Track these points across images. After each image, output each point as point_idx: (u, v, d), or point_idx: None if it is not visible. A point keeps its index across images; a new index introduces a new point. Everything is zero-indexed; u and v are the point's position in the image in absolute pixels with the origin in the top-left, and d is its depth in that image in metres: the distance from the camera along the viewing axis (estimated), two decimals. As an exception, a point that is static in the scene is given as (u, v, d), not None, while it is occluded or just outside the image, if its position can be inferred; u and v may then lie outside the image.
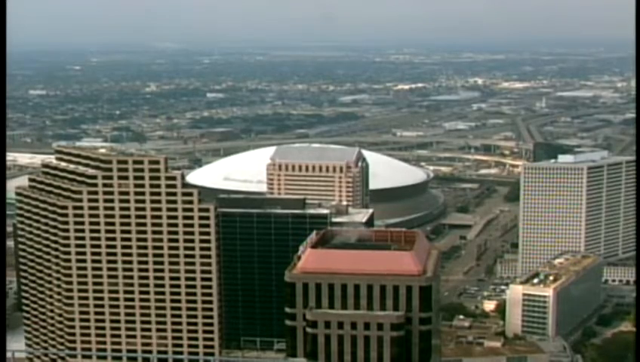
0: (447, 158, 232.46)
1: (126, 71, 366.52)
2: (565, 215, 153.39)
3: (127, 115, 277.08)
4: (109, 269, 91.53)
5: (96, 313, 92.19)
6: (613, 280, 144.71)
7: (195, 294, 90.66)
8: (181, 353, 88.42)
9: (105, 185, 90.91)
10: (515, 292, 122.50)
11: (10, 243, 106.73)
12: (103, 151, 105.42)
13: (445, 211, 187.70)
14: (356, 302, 69.98)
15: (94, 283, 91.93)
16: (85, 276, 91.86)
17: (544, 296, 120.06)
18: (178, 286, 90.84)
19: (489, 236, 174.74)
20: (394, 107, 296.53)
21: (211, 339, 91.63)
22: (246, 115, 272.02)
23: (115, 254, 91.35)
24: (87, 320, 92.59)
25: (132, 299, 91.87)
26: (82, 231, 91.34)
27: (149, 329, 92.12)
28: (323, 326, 69.87)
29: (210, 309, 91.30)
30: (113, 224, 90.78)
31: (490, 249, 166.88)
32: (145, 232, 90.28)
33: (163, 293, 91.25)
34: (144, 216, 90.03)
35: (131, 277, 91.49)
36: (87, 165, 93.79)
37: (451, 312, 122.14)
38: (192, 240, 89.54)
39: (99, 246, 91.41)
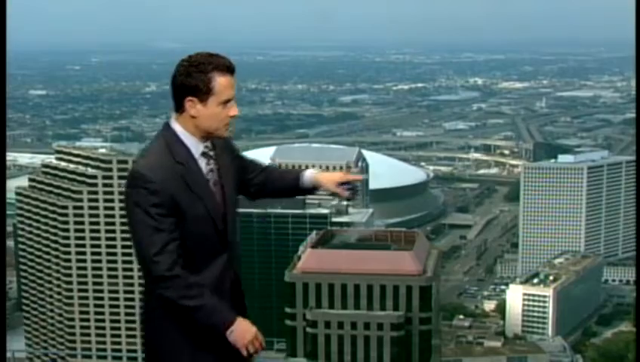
0: (447, 158, 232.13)
1: (126, 71, 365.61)
2: (565, 215, 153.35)
3: (127, 115, 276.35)
4: (109, 269, 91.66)
5: (96, 313, 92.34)
6: (613, 280, 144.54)
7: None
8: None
9: (105, 185, 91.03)
10: (515, 292, 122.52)
11: (10, 243, 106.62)
12: (103, 151, 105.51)
13: (445, 211, 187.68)
14: (356, 302, 70.10)
15: (94, 283, 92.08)
16: (85, 276, 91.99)
17: (544, 296, 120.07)
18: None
19: (489, 236, 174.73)
20: (394, 107, 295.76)
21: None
22: (246, 114, 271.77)
23: (115, 254, 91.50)
24: (87, 320, 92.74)
25: (132, 299, 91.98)
26: (82, 231, 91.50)
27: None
28: (323, 326, 69.98)
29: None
30: (113, 224, 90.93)
31: (490, 248, 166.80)
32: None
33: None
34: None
35: (131, 277, 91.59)
36: (87, 165, 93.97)
37: (451, 312, 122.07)
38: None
39: (99, 246, 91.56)
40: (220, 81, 4.42)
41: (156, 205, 4.35)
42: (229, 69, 4.49)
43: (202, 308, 4.47)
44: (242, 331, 4.52)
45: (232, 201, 4.74)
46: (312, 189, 5.10)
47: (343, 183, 5.04)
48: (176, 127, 4.53)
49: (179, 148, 4.49)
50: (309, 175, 5.05)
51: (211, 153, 4.62)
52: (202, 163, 4.56)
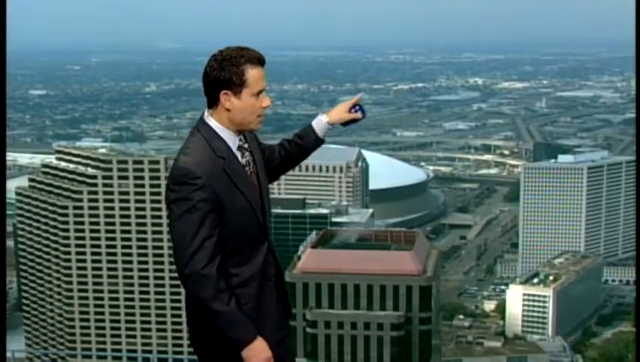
0: (447, 158, 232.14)
1: (126, 71, 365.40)
2: (565, 215, 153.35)
3: (127, 115, 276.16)
4: (109, 269, 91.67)
5: (96, 313, 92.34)
6: (613, 280, 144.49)
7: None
8: (181, 353, 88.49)
9: (105, 185, 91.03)
10: (515, 292, 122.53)
11: (10, 243, 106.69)
12: (103, 151, 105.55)
13: (445, 211, 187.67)
14: (356, 302, 70.12)
15: (94, 283, 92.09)
16: (85, 276, 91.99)
17: (544, 296, 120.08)
18: (178, 286, 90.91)
19: (489, 236, 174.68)
20: (394, 107, 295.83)
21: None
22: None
23: (115, 254, 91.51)
24: (87, 320, 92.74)
25: (132, 299, 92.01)
26: (82, 231, 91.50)
27: (149, 329, 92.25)
28: (323, 326, 69.99)
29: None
30: (113, 224, 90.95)
31: (490, 249, 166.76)
32: (145, 232, 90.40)
33: (163, 293, 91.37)
34: (144, 216, 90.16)
35: (131, 277, 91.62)
36: (87, 165, 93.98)
37: (451, 312, 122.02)
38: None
39: (99, 246, 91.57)
40: (253, 73, 4.48)
41: (202, 200, 4.41)
42: (259, 61, 4.54)
43: (225, 315, 4.46)
44: (258, 352, 4.54)
45: (267, 191, 4.84)
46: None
47: (350, 110, 5.34)
48: (212, 122, 4.58)
49: (218, 143, 4.55)
50: (322, 125, 5.23)
51: (246, 146, 4.70)
52: (239, 156, 4.65)
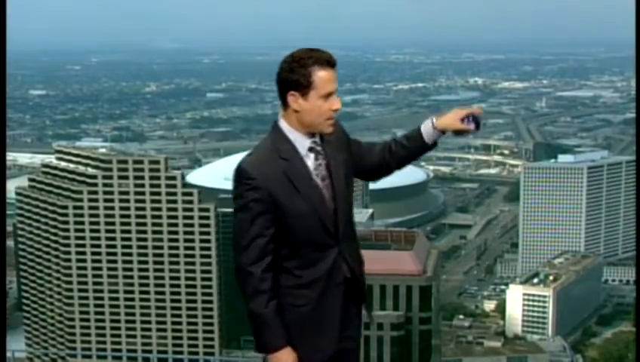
0: (447, 158, 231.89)
1: (126, 71, 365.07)
2: (565, 215, 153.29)
3: (127, 115, 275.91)
4: (109, 269, 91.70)
5: (96, 313, 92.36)
6: (613, 280, 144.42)
7: (195, 294, 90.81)
8: (181, 353, 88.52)
9: (105, 185, 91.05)
10: (515, 292, 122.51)
11: (10, 243, 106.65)
12: (103, 151, 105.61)
13: (445, 211, 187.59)
14: (356, 301, 70.06)
15: (94, 283, 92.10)
16: (85, 276, 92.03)
17: (544, 296, 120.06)
18: (178, 286, 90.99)
19: (489, 236, 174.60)
20: (394, 107, 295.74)
21: (211, 339, 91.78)
22: (246, 115, 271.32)
23: (115, 254, 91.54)
24: (87, 320, 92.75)
25: (132, 299, 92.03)
26: (82, 231, 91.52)
27: (149, 329, 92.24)
28: (323, 326, 69.93)
29: (211, 309, 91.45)
30: (113, 224, 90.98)
31: (490, 249, 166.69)
32: (145, 232, 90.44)
33: (163, 293, 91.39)
34: (144, 216, 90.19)
35: (131, 277, 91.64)
36: (87, 165, 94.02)
37: (451, 312, 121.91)
38: (192, 240, 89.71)
39: (99, 246, 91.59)
40: (321, 75, 4.45)
41: (255, 200, 4.43)
42: (329, 62, 4.51)
43: (259, 317, 4.50)
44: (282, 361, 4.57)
45: (343, 196, 4.66)
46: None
47: (464, 118, 4.93)
48: (282, 124, 4.57)
49: (284, 145, 4.52)
50: (429, 129, 4.94)
51: (319, 148, 4.60)
52: (310, 158, 4.56)
